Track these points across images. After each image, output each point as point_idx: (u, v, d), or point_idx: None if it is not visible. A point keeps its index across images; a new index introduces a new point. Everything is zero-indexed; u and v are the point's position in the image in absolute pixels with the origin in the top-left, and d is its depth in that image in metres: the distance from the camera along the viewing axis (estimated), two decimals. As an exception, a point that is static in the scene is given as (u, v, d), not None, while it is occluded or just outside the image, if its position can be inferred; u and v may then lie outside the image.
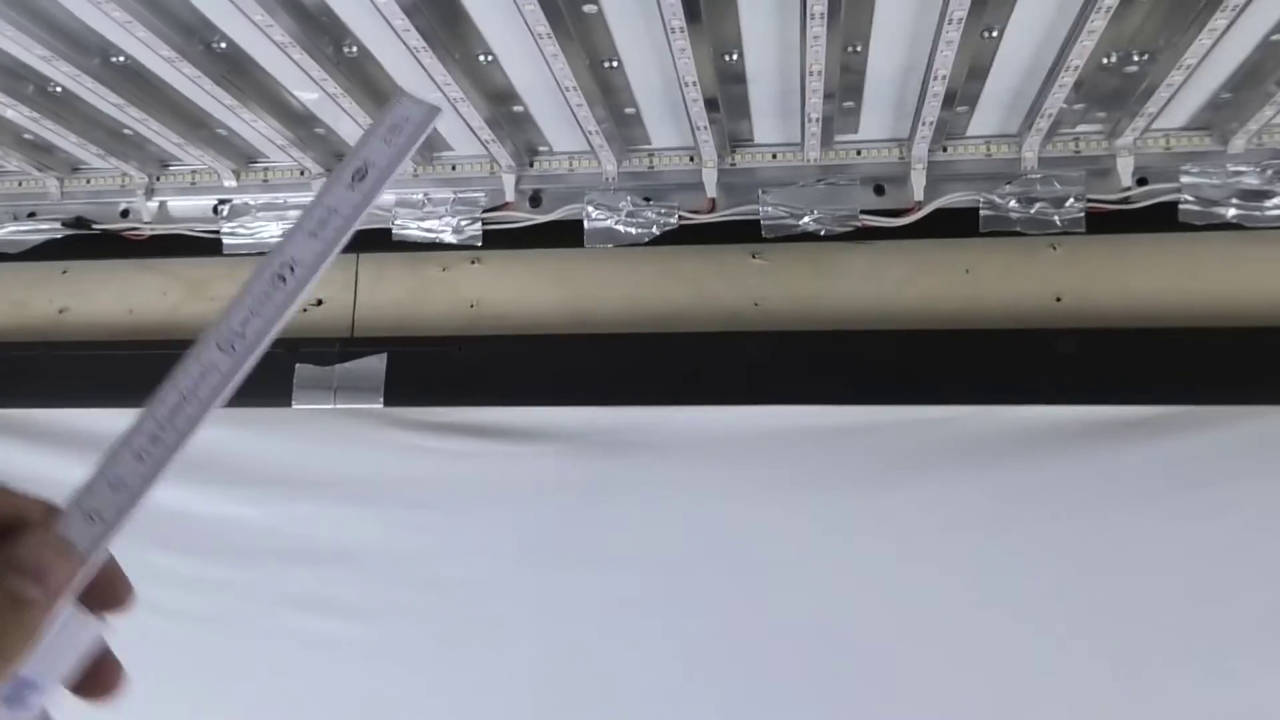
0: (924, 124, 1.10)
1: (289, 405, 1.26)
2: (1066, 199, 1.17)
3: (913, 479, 1.20)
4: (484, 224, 1.27)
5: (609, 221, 1.25)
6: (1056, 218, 1.18)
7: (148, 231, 1.33)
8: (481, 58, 1.03)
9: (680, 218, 1.24)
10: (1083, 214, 1.17)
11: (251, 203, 1.32)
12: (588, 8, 0.93)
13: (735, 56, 1.01)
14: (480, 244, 1.27)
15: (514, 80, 1.08)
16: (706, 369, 1.22)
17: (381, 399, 1.25)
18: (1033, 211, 1.18)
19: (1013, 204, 1.18)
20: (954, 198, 1.19)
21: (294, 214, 1.30)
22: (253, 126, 1.15)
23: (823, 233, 1.21)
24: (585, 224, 1.25)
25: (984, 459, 1.19)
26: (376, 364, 1.26)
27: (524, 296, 1.29)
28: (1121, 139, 1.14)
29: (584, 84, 1.02)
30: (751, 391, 1.22)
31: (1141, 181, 1.17)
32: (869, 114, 1.13)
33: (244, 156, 1.30)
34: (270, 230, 1.30)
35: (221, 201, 1.32)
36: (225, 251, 1.32)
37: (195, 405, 0.42)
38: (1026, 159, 1.17)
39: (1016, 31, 0.95)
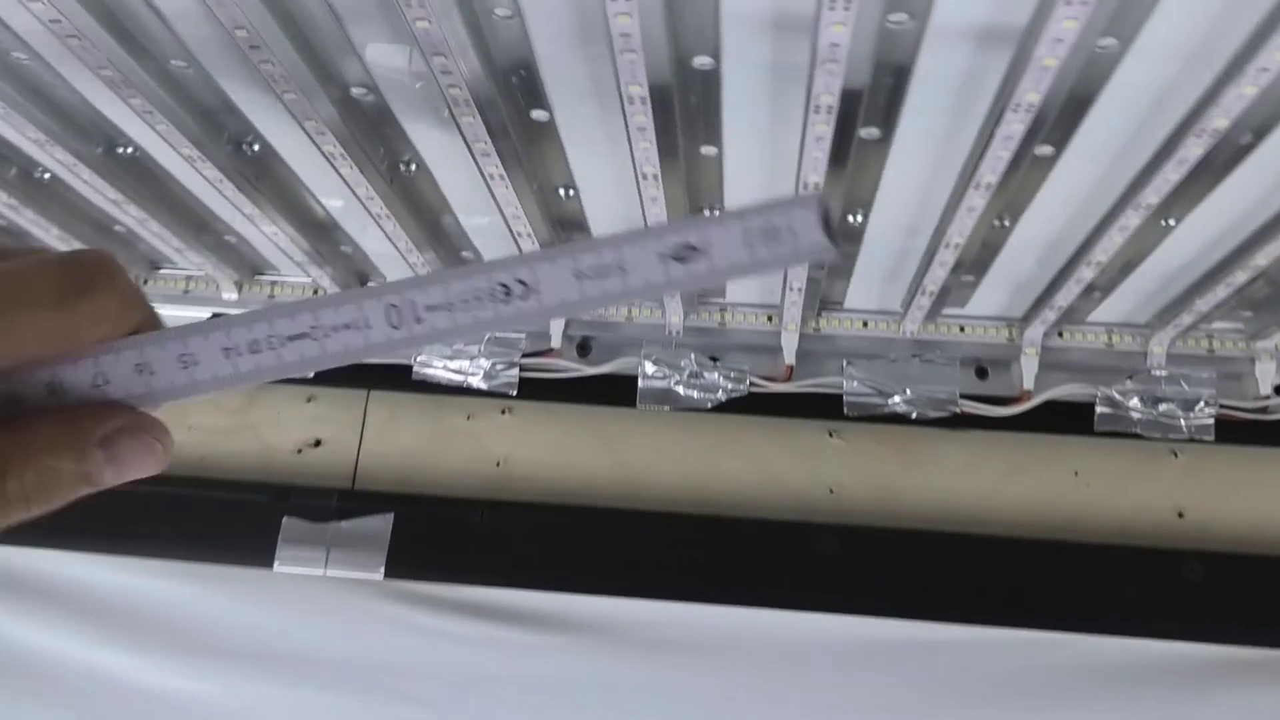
0: (1051, 308, 0.96)
1: (270, 566, 1.06)
2: (1196, 402, 1.03)
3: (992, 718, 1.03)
4: (522, 370, 1.09)
5: (668, 382, 1.08)
6: (1183, 422, 1.03)
7: (124, 344, 1.14)
8: (562, 191, 0.87)
9: (751, 384, 1.07)
10: (1212, 420, 1.03)
11: (251, 322, 1.13)
12: (706, 149, 0.78)
13: (860, 218, 0.86)
14: (515, 393, 1.09)
15: (587, 211, 0.92)
16: (766, 563, 1.05)
17: (383, 568, 1.05)
18: (1158, 413, 1.03)
19: (1134, 402, 1.04)
20: (1067, 389, 1.04)
21: (300, 339, 1.12)
22: (270, 238, 0.98)
23: (914, 415, 1.05)
24: (640, 381, 1.08)
25: (1083, 699, 1.02)
26: (380, 525, 1.07)
27: (559, 458, 1.11)
28: (1263, 341, 1.01)
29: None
30: (816, 594, 1.04)
31: (1278, 391, 1.03)
32: (987, 289, 0.99)
33: (250, 266, 1.12)
34: (270, 356, 1.12)
35: (217, 315, 1.14)
36: (213, 375, 1.12)
37: (316, 348, 0.38)
38: (1154, 354, 1.03)
39: (1196, 224, 0.82)
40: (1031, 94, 0.64)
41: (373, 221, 0.92)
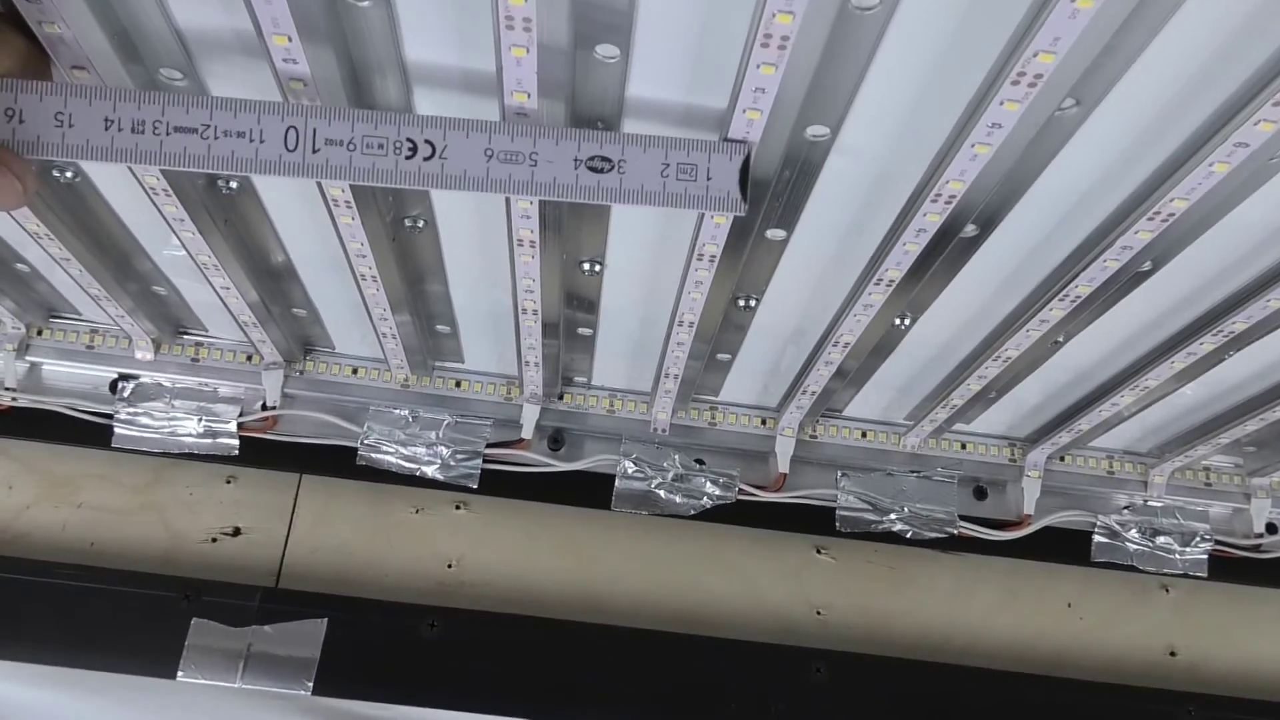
0: (1067, 430, 0.92)
1: (174, 676, 0.89)
2: (1193, 536, 1.00)
3: None
4: (485, 461, 0.97)
5: (648, 484, 0.98)
6: (1178, 557, 1.00)
7: (7, 400, 0.96)
8: (588, 266, 0.77)
9: (740, 491, 0.98)
10: (1206, 557, 1.00)
11: (168, 385, 0.97)
12: (773, 234, 0.70)
13: (906, 321, 0.79)
14: (475, 486, 0.96)
15: (603, 296, 0.82)
16: (748, 689, 0.95)
17: (311, 683, 0.90)
18: (1154, 545, 1.00)
19: (1132, 533, 1.00)
20: (1066, 516, 1.00)
21: (224, 410, 0.97)
22: (220, 292, 0.83)
23: (909, 535, 0.99)
24: (617, 482, 0.98)
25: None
26: (310, 631, 0.92)
27: (521, 562, 0.99)
28: (1260, 479, 0.99)
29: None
30: (800, 725, 0.95)
31: (1271, 529, 1.02)
32: (1000, 409, 0.94)
33: (172, 321, 0.96)
34: (188, 428, 0.96)
35: (124, 377, 0.97)
36: (114, 444, 0.96)
37: (201, 147, 0.40)
38: (1155, 484, 1.00)
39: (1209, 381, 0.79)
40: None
41: (353, 279, 0.79)
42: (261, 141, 0.42)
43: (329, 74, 0.55)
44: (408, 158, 0.43)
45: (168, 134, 0.46)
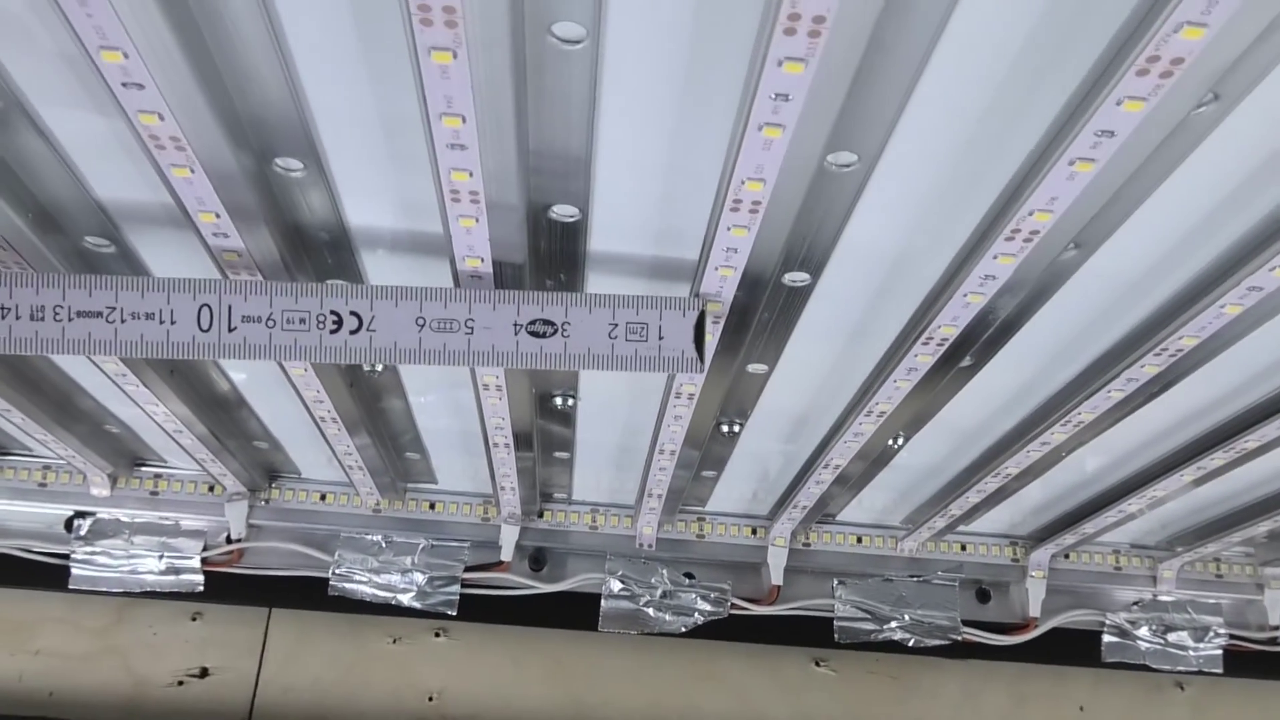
0: (1072, 532, 0.88)
1: (139, 838, 0.84)
2: (1206, 631, 0.96)
3: None
4: (463, 586, 0.92)
5: (636, 602, 0.93)
6: (1192, 653, 0.96)
7: (-45, 546, 0.91)
8: (559, 400, 0.73)
9: (732, 606, 0.94)
10: (1221, 652, 0.96)
11: (126, 520, 0.92)
12: (754, 368, 0.66)
13: (899, 441, 0.75)
14: (454, 612, 0.92)
15: (578, 422, 0.78)
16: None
17: (287, 838, 0.85)
18: (1166, 643, 0.96)
19: (1143, 631, 0.95)
20: (1074, 616, 0.95)
21: (187, 545, 0.92)
22: (162, 425, 0.78)
23: (911, 643, 0.94)
24: (603, 601, 0.93)
25: None
26: (284, 780, 0.87)
27: (507, 690, 0.94)
28: (1274, 569, 0.95)
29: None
30: None
31: (1287, 619, 0.97)
32: (1001, 509, 0.89)
33: (127, 455, 0.92)
34: (149, 565, 0.91)
35: (79, 514, 0.92)
36: (72, 585, 0.90)
37: (105, 329, 0.39)
38: (1164, 578, 0.95)
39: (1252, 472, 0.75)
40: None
41: (318, 433, 0.75)
42: (173, 323, 0.40)
43: (264, 245, 0.51)
44: (332, 332, 0.40)
45: (70, 319, 0.43)
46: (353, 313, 0.43)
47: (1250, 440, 0.65)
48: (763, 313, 0.56)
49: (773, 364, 0.64)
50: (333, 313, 0.42)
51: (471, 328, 0.43)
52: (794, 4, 0.33)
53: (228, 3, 0.37)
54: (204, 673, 0.93)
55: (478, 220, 0.47)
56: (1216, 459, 0.69)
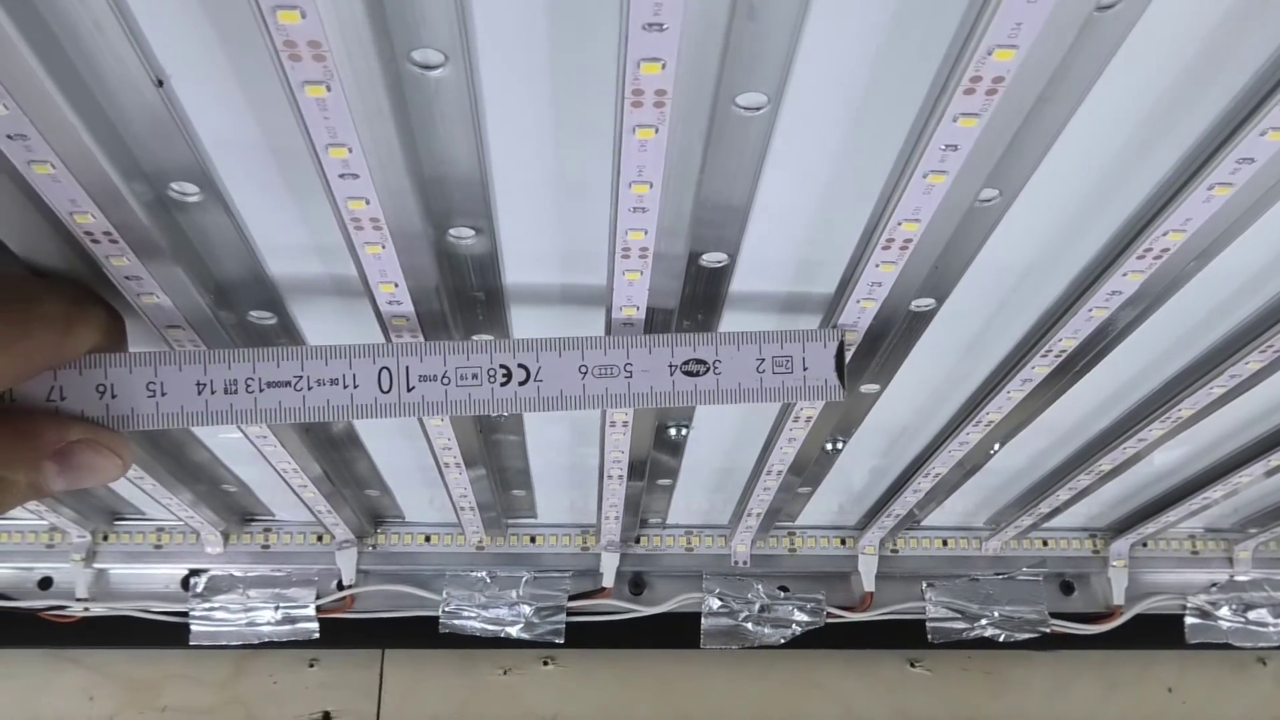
0: (1153, 521, 0.91)
1: None
2: (1284, 606, 0.99)
3: None
4: (568, 615, 0.95)
5: (735, 618, 0.97)
6: (1273, 629, 0.99)
7: (79, 610, 0.94)
8: (674, 431, 0.76)
9: (827, 615, 0.97)
10: (1301, 626, 0.99)
11: (240, 575, 0.96)
12: (867, 388, 0.69)
13: (996, 447, 0.79)
14: (561, 640, 0.95)
15: (686, 452, 0.82)
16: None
17: None
18: (1247, 620, 0.99)
19: (1224, 611, 0.99)
20: (1157, 602, 0.99)
21: (301, 594, 0.95)
22: (289, 482, 0.82)
23: (1002, 638, 0.97)
24: (703, 620, 0.97)
25: None
26: (415, 815, 0.90)
27: (617, 712, 0.97)
28: (1344, 541, 0.99)
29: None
30: None
31: (1360, 589, 1.01)
32: (1081, 504, 0.93)
33: (238, 511, 0.95)
34: (265, 616, 0.94)
35: (194, 572, 0.96)
36: (192, 641, 0.94)
37: (294, 397, 0.40)
38: (1240, 559, 0.99)
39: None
40: None
41: (433, 475, 0.78)
42: (356, 386, 0.42)
43: (431, 309, 0.55)
44: (503, 384, 0.42)
45: (261, 390, 0.45)
46: (520, 365, 0.45)
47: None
48: (891, 338, 0.60)
49: (885, 384, 0.67)
50: (502, 366, 0.44)
51: (631, 372, 0.46)
52: (978, 68, 0.37)
53: (439, 93, 0.41)
54: (326, 716, 0.96)
55: (642, 274, 0.50)
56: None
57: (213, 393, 0.46)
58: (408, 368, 0.42)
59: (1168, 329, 0.61)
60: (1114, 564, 0.98)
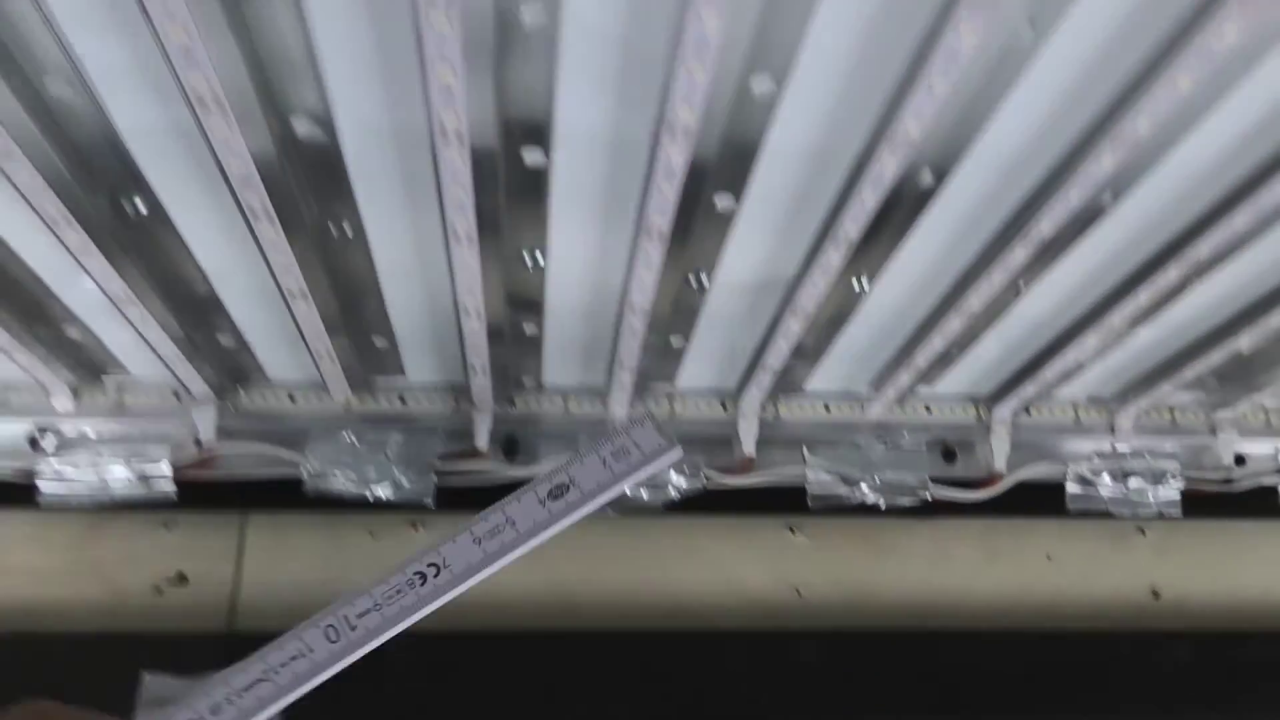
0: (1031, 381, 0.90)
1: (131, 740, 0.83)
2: (1163, 476, 0.99)
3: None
4: (438, 476, 0.93)
5: (612, 481, 0.94)
6: (1152, 499, 0.99)
7: (-85, 469, 0.89)
8: (529, 259, 0.73)
9: (706, 479, 0.95)
10: (1179, 495, 0.99)
11: (92, 434, 0.91)
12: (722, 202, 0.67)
13: (865, 281, 0.77)
14: (431, 503, 0.92)
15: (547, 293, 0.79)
16: (737, 680, 0.92)
17: (280, 728, 0.85)
18: (1128, 490, 0.99)
19: (1104, 479, 0.99)
20: (1037, 469, 0.98)
21: (157, 453, 0.91)
22: (136, 326, 0.78)
23: (883, 505, 0.96)
24: (579, 482, 0.94)
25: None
26: (273, 675, 0.87)
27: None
28: (1225, 411, 0.98)
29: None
30: (797, 712, 0.93)
31: (1239, 461, 1.01)
32: (961, 368, 0.92)
33: (91, 366, 0.91)
34: (119, 474, 0.90)
35: (43, 430, 0.91)
36: (42, 504, 0.89)
37: (272, 687, 0.39)
38: (1121, 428, 0.98)
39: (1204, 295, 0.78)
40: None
41: (281, 299, 0.74)
42: (311, 651, 0.42)
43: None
44: (421, 586, 0.43)
45: (240, 697, 0.42)
46: (429, 564, 0.44)
47: (1201, 248, 0.66)
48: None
49: (738, 198, 0.64)
50: (417, 573, 0.44)
51: (513, 521, 0.45)
52: None
53: None
54: (181, 578, 0.92)
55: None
56: (1171, 274, 0.70)
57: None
58: (345, 616, 0.42)
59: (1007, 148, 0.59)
60: (996, 430, 0.97)
